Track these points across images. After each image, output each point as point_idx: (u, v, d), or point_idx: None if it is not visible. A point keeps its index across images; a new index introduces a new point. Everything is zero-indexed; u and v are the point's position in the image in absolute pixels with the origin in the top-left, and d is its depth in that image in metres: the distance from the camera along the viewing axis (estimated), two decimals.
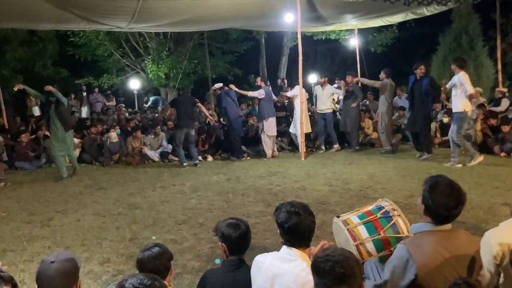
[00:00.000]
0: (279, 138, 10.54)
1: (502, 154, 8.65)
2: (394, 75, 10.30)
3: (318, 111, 10.49)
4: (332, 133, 10.33)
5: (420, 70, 8.57)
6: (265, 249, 4.08)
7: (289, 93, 10.40)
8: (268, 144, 9.67)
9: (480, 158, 7.86)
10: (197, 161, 9.15)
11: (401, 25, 15.37)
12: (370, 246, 2.78)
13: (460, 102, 7.67)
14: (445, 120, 10.49)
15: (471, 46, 15.24)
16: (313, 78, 18.79)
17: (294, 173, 7.92)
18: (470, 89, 7.56)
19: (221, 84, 9.80)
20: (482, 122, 9.67)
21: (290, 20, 9.77)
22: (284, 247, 2.25)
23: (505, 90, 11.03)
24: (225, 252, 2.54)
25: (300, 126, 9.33)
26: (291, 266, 2.14)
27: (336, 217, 3.02)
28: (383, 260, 2.70)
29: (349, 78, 10.07)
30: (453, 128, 7.90)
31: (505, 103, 10.46)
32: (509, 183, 6.25)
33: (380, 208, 2.95)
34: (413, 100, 8.81)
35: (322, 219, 5.06)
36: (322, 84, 10.40)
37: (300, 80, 9.52)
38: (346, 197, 6.10)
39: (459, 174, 7.12)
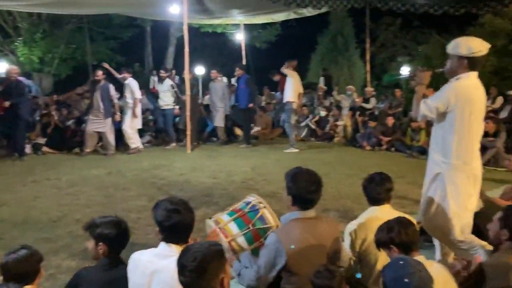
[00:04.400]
0: None
1: (368, 147, 9.61)
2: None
3: (158, 107, 10.18)
4: (169, 130, 10.00)
5: (237, 72, 9.91)
6: (146, 245, 4.02)
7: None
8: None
9: (295, 150, 9.24)
10: None
11: (284, 23, 16.10)
12: (242, 240, 2.90)
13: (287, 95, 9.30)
14: (323, 114, 11.32)
15: (345, 47, 16.61)
16: (200, 70, 18.76)
17: (179, 166, 7.88)
18: (290, 86, 9.22)
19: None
20: (351, 118, 10.62)
21: (176, 11, 9.66)
22: (162, 244, 2.26)
23: (371, 89, 12.22)
24: (103, 252, 2.44)
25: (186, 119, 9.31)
26: (169, 261, 2.13)
27: (208, 218, 3.11)
28: (256, 252, 2.85)
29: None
30: (284, 117, 9.48)
31: (373, 101, 11.63)
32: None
33: (248, 203, 3.09)
34: (237, 96, 9.96)
35: (205, 211, 5.12)
36: (161, 78, 9.99)
37: (187, 71, 9.46)
38: (229, 189, 6.26)
39: (333, 166, 7.76)
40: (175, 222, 2.21)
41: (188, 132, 9.31)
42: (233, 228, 2.93)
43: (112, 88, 8.97)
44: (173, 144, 9.93)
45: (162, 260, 2.16)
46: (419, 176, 6.79)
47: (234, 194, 5.93)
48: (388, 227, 2.40)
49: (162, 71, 10.16)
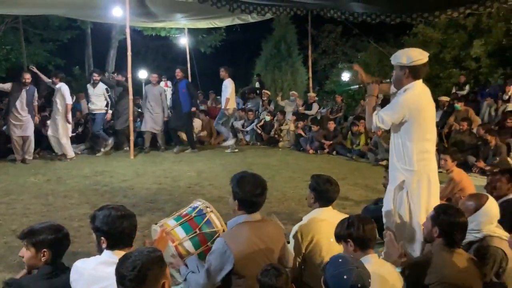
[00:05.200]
0: None
1: (311, 151, 9.88)
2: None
3: (89, 111, 9.73)
4: (99, 133, 9.52)
5: (177, 74, 9.60)
6: (89, 253, 3.91)
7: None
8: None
9: (233, 145, 9.74)
10: None
11: (229, 29, 16.20)
12: (188, 245, 2.91)
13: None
14: (268, 118, 11.48)
15: (289, 53, 16.94)
16: (143, 73, 18.45)
17: (122, 172, 7.69)
18: (229, 92, 9.35)
19: None
20: (295, 123, 10.87)
21: (119, 14, 9.45)
22: (107, 251, 2.23)
23: (314, 94, 12.57)
24: (46, 259, 2.36)
25: (130, 124, 9.10)
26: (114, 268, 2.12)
27: (154, 224, 3.10)
28: (202, 256, 2.87)
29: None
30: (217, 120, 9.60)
31: (315, 107, 11.98)
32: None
33: (195, 208, 3.12)
34: (175, 100, 9.77)
35: (150, 217, 5.06)
36: (94, 82, 9.37)
37: (130, 75, 9.25)
38: (174, 195, 6.20)
39: (277, 169, 7.91)
40: (124, 228, 2.22)
41: (131, 138, 9.13)
42: (180, 232, 2.95)
43: (36, 92, 8.62)
44: (109, 144, 9.59)
45: (108, 268, 2.12)
46: (359, 178, 7.15)
47: (179, 200, 5.89)
48: (349, 222, 2.51)
49: (95, 74, 9.55)
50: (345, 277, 1.84)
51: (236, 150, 9.73)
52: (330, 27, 20.41)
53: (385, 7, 9.84)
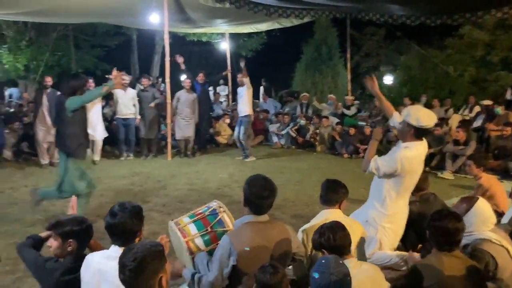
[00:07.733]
0: None
1: (346, 155, 9.78)
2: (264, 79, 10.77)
3: (118, 116, 9.26)
4: (132, 140, 9.43)
5: (199, 78, 9.77)
6: None
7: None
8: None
9: (253, 158, 9.32)
10: None
11: (269, 33, 16.34)
12: (199, 241, 3.05)
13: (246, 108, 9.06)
14: (303, 122, 11.45)
15: (329, 57, 16.77)
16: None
17: (158, 173, 7.98)
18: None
19: None
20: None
21: (156, 21, 9.79)
22: (112, 246, 2.39)
23: (351, 97, 12.41)
24: (72, 249, 2.54)
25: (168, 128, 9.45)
26: (116, 262, 2.25)
27: (171, 220, 3.26)
28: (212, 253, 2.99)
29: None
30: (241, 130, 9.10)
31: (353, 109, 11.84)
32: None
33: (209, 207, 3.27)
34: (203, 102, 9.90)
35: (176, 217, 5.21)
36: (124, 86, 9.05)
37: (168, 80, 9.59)
38: (203, 196, 6.36)
39: (308, 173, 7.87)
40: (107, 225, 2.40)
41: (169, 140, 9.43)
42: (192, 229, 3.10)
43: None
44: (130, 156, 9.44)
45: (111, 261, 2.27)
46: None
47: (208, 200, 5.82)
48: (320, 232, 2.54)
49: (125, 78, 9.33)
50: (316, 276, 1.89)
51: (254, 159, 9.38)
52: (373, 30, 20.09)
53: (424, 8, 9.60)
